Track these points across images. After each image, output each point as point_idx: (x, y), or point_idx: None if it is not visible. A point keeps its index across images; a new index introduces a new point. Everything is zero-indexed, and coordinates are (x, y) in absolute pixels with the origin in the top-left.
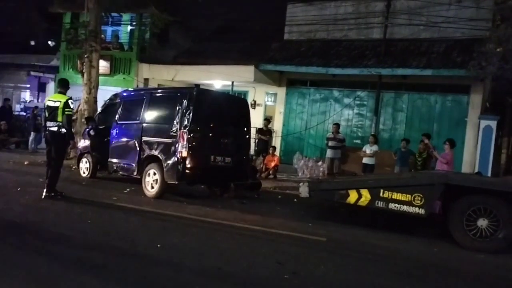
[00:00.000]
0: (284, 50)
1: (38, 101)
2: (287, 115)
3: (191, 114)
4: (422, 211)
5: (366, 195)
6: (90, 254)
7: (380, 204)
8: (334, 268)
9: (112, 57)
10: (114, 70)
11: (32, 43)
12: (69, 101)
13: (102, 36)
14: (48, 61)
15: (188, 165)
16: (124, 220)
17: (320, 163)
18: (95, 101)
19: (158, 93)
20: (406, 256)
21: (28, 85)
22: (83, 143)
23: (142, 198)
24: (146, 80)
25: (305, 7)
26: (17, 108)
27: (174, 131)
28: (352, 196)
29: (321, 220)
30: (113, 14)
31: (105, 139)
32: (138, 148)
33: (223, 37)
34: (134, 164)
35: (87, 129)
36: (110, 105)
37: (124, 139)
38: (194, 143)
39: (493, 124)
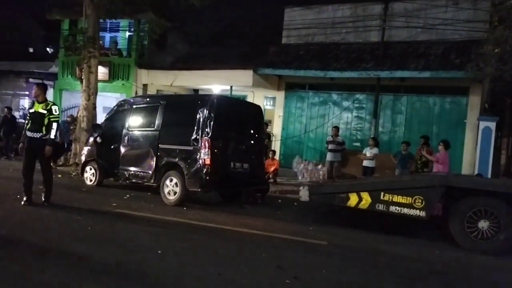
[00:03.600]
0: (283, 54)
1: None
2: (286, 118)
3: (212, 122)
4: (423, 213)
5: (366, 198)
6: (90, 261)
7: (380, 207)
8: (336, 272)
9: (110, 63)
10: (112, 76)
11: (31, 50)
12: None
13: (101, 42)
14: (47, 67)
15: (211, 172)
16: (124, 226)
17: (319, 166)
18: (94, 107)
19: (175, 100)
20: (408, 259)
21: (27, 92)
22: (87, 150)
23: (142, 204)
24: (145, 85)
25: (302, 11)
26: (16, 115)
27: (196, 138)
28: (353, 199)
29: (322, 223)
30: (111, 20)
31: (112, 146)
32: (154, 156)
33: (221, 42)
34: (150, 172)
35: (94, 136)
36: (118, 112)
37: (138, 147)
38: (216, 150)
39: (492, 125)
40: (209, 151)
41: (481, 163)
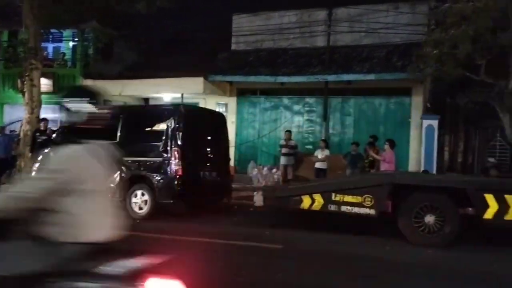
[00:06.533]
0: (232, 60)
1: None
2: (239, 124)
3: (181, 132)
4: (372, 211)
5: (319, 200)
6: None
7: (332, 207)
8: (292, 274)
9: (54, 75)
10: (57, 87)
11: None
12: None
13: (45, 53)
14: None
15: (183, 183)
16: None
17: (274, 170)
18: (38, 121)
19: (138, 111)
20: (361, 257)
21: None
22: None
23: None
24: None
25: (250, 17)
26: None
27: (165, 149)
28: (306, 202)
29: (278, 227)
30: (53, 30)
31: None
32: (117, 169)
33: (170, 49)
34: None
35: (44, 152)
36: (70, 126)
37: None
38: (186, 160)
39: (435, 123)
40: (180, 161)
41: (426, 160)
